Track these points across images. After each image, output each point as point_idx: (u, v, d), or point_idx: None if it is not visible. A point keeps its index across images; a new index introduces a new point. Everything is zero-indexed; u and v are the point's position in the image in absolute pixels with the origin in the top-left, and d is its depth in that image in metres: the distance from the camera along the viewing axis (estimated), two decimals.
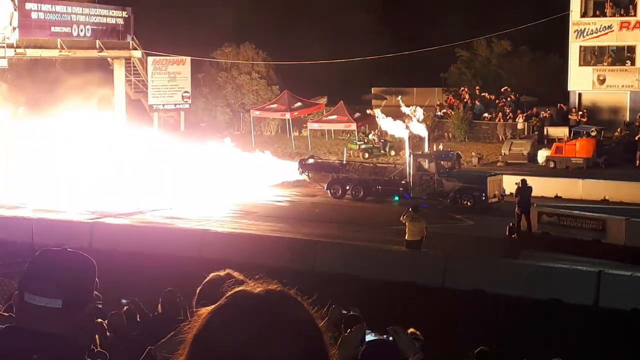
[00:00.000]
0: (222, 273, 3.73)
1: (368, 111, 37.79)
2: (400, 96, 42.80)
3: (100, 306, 11.37)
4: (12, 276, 19.98)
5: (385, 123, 37.40)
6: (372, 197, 34.98)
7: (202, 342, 1.96)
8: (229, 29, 56.36)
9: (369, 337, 6.64)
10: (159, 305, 10.86)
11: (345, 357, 5.05)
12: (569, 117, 48.85)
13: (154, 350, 4.70)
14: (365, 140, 48.27)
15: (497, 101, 51.96)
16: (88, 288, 2.91)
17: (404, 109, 37.66)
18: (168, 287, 11.06)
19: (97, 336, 7.67)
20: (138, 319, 11.16)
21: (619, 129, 45.77)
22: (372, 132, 48.13)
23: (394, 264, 22.76)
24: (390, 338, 5.87)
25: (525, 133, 48.37)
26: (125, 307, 11.53)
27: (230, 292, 2.01)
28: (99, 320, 9.28)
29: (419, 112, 37.11)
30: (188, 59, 52.06)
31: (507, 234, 27.11)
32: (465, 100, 52.71)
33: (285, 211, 33.36)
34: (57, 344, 2.75)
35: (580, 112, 48.95)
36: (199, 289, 3.74)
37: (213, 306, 1.99)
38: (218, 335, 1.93)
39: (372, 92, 61.77)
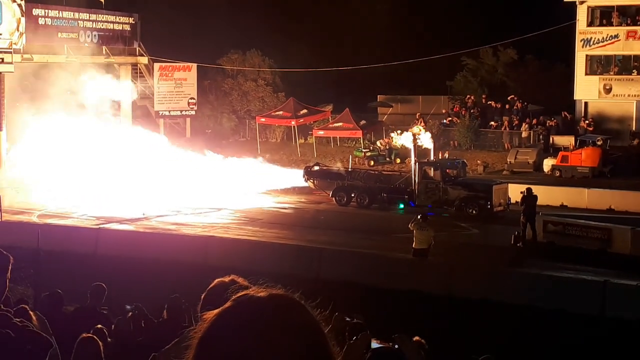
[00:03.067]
0: (226, 279, 3.72)
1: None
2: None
3: (105, 312, 11.37)
4: (18, 281, 19.99)
5: (400, 139, 37.10)
6: (377, 205, 34.95)
7: (207, 345, 1.98)
8: (236, 36, 56.46)
9: (374, 345, 6.61)
10: (164, 311, 10.85)
11: None
12: (579, 126, 48.68)
13: (158, 356, 4.68)
14: (371, 147, 48.25)
15: (504, 112, 51.87)
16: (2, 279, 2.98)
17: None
18: (173, 294, 11.06)
19: (100, 343, 7.65)
20: (143, 325, 11.15)
21: (636, 140, 45.65)
22: (381, 140, 48.11)
23: (399, 272, 22.71)
24: (396, 346, 5.85)
25: (531, 142, 48.31)
26: (130, 313, 11.52)
27: (235, 296, 2.03)
28: (99, 326, 9.25)
29: (425, 136, 36.77)
30: (194, 65, 52.14)
31: (512, 242, 27.03)
32: (470, 107, 52.63)
33: (290, 218, 33.34)
34: None
35: (587, 122, 48.88)
36: (203, 295, 3.73)
37: (218, 310, 2.01)
38: (223, 338, 1.95)
39: (378, 99, 61.79)
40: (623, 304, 19.56)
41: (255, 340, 1.92)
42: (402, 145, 38.43)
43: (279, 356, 1.92)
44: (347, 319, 11.11)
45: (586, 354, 17.70)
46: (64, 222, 30.65)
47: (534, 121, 49.68)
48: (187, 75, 51.60)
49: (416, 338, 9.42)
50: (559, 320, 19.23)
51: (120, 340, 9.99)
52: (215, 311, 2.01)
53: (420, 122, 50.01)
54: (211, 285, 3.74)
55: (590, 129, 47.92)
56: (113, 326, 10.40)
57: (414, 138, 35.94)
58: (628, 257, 24.64)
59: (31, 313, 7.50)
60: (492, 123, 51.01)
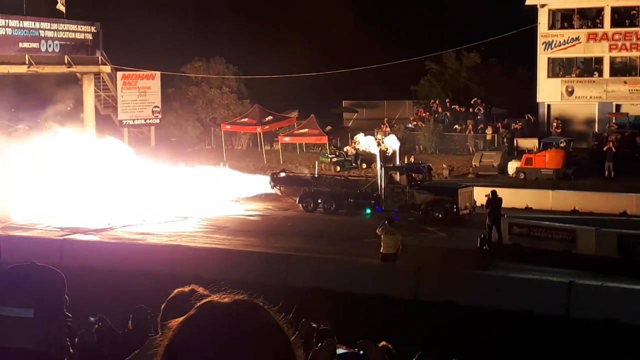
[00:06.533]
0: (186, 289, 3.70)
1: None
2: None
3: (70, 324, 11.22)
4: None
5: (365, 141, 37.25)
6: (344, 210, 34.98)
7: (173, 354, 1.98)
8: (199, 44, 56.29)
9: (340, 351, 6.59)
10: (129, 322, 10.75)
11: None
12: (552, 128, 49.05)
13: None
14: (337, 153, 48.28)
15: (468, 115, 52.17)
16: (59, 299, 2.90)
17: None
18: (139, 304, 10.97)
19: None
20: (107, 337, 11.03)
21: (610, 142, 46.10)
22: (349, 145, 48.11)
23: (366, 277, 22.74)
24: (361, 352, 5.83)
25: (496, 145, 48.67)
26: (95, 325, 11.41)
27: (199, 304, 2.04)
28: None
29: (391, 140, 36.96)
30: (158, 73, 51.91)
31: (478, 245, 27.17)
32: (435, 112, 52.89)
33: (257, 225, 33.25)
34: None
35: (555, 124, 49.33)
36: (163, 305, 3.69)
37: (183, 317, 2.02)
38: (189, 346, 1.96)
39: (343, 105, 61.90)
40: (588, 304, 19.75)
41: (221, 347, 1.93)
42: (364, 149, 38.55)
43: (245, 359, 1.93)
44: (314, 325, 11.08)
45: (552, 354, 17.83)
46: (28, 234, 30.30)
47: (499, 124, 50.05)
48: (150, 84, 51.35)
49: (383, 343, 9.42)
50: (525, 322, 19.35)
51: (85, 352, 9.88)
52: (180, 319, 2.02)
53: (386, 127, 50.18)
54: (171, 296, 3.71)
55: (559, 130, 48.38)
56: (77, 338, 10.28)
57: (379, 143, 36.06)
58: (592, 257, 24.86)
59: None
60: (456, 126, 51.31)
